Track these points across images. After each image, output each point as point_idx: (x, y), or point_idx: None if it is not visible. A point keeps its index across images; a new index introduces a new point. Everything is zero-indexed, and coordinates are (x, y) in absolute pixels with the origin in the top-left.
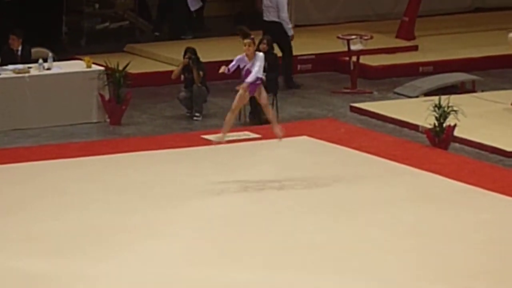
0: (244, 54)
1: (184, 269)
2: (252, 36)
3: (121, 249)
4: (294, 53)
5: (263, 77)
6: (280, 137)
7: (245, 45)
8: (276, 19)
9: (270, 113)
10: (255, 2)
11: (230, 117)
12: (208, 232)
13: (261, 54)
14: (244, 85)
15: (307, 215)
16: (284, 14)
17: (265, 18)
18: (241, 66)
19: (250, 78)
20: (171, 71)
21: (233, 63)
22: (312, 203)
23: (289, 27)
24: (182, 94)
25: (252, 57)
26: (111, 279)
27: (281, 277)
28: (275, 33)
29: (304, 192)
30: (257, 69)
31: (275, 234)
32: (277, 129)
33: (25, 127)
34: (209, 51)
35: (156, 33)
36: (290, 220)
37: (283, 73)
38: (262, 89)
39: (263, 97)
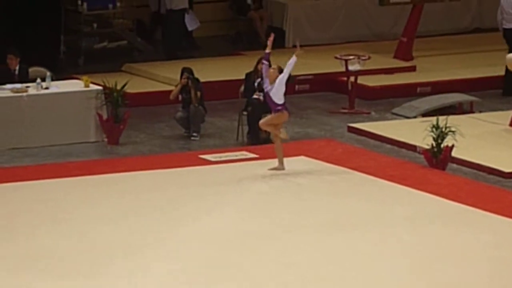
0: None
1: None
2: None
3: (118, 267)
4: (292, 73)
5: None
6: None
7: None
8: None
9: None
10: (253, 22)
11: (276, 144)
12: (204, 251)
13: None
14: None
15: (303, 234)
16: None
17: (505, 26)
18: (263, 84)
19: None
20: (169, 91)
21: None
22: (309, 222)
23: None
24: (179, 114)
25: (273, 80)
26: None
27: None
28: None
29: (300, 211)
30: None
31: (271, 252)
32: (280, 164)
33: (23, 146)
34: (206, 71)
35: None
36: (286, 239)
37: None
38: (280, 115)
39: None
